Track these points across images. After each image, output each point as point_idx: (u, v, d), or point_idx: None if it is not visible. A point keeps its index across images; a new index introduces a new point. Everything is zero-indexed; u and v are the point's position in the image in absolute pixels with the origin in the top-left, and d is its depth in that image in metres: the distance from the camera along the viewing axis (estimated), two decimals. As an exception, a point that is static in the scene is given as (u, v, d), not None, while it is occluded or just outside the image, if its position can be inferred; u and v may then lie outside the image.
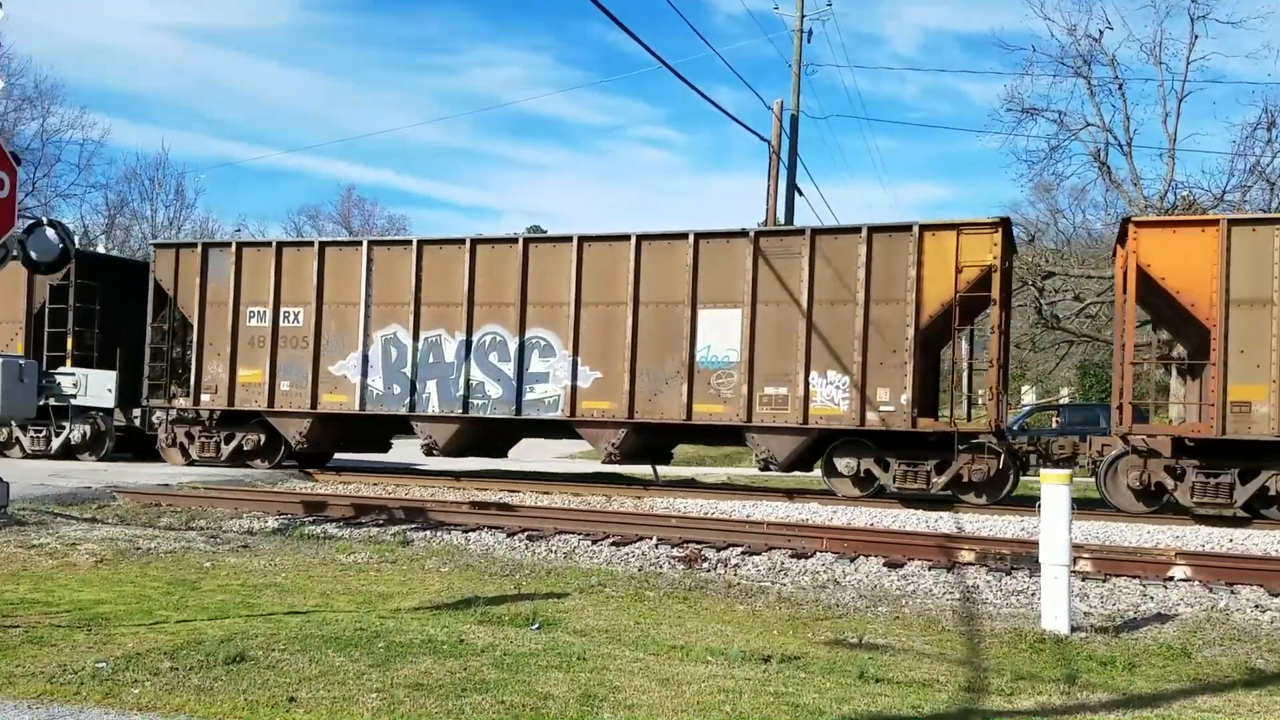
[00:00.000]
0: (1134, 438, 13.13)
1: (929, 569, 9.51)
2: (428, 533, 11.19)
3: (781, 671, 5.90)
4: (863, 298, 13.99)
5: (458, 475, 16.82)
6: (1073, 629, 7.13)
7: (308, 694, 4.89)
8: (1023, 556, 9.37)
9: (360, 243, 17.06)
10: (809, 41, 24.50)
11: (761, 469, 14.95)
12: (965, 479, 13.67)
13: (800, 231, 14.77)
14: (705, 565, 9.73)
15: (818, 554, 10.17)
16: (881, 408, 13.83)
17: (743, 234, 14.70)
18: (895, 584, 8.99)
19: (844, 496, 14.29)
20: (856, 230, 14.21)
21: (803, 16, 24.79)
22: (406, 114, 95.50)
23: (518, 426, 16.62)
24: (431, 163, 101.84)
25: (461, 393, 15.92)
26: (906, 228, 13.94)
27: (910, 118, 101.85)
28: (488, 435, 16.70)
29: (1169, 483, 12.85)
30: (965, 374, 16.56)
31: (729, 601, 8.22)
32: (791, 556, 10.05)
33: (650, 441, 15.74)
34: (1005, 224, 13.95)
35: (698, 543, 10.63)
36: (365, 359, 16.49)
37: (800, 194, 23.08)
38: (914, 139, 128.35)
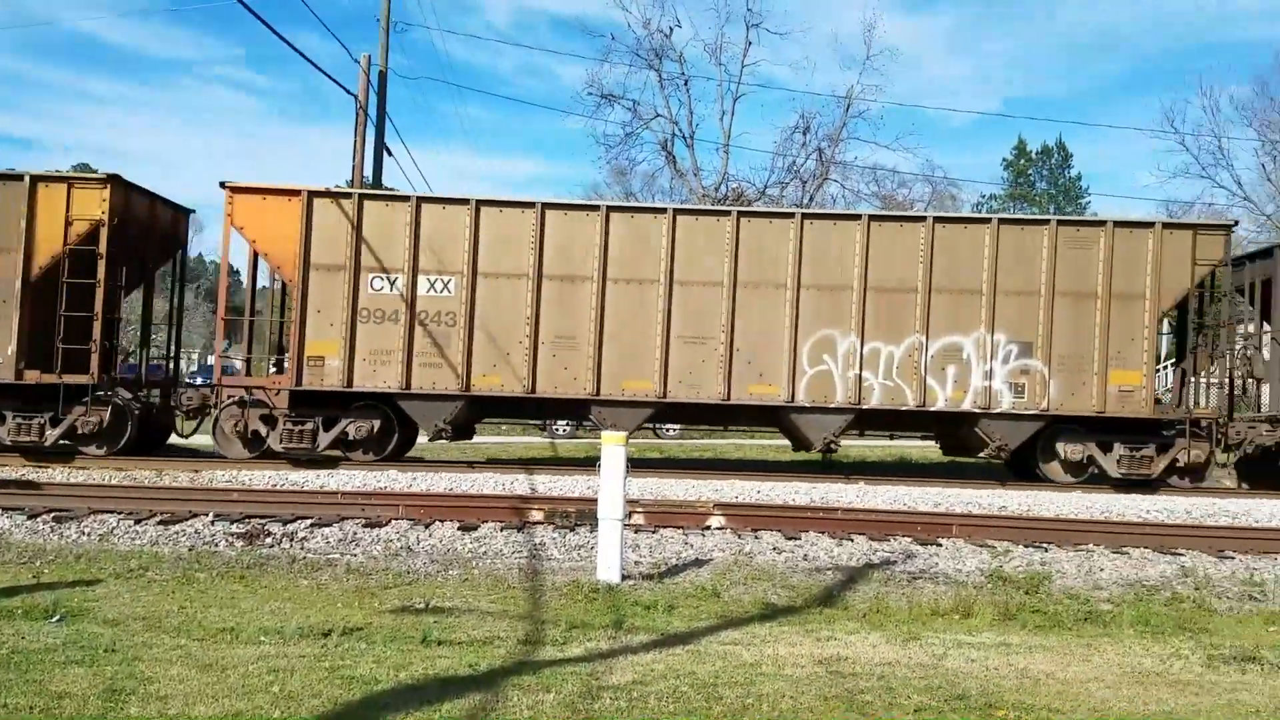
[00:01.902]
0: (230, 390, 14.02)
1: (501, 530, 9.79)
2: (-88, 520, 9.26)
3: (341, 645, 5.71)
4: None
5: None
6: (624, 578, 7.75)
7: None
8: (586, 513, 10.00)
9: None
10: (399, -3, 23.82)
11: None
12: (80, 430, 13.84)
13: None
14: (269, 540, 9.13)
15: (393, 522, 10.01)
16: None
17: None
18: (468, 547, 9.12)
19: None
20: None
21: (390, -32, 23.91)
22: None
23: None
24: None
25: None
26: (19, 177, 13.83)
27: (504, 91, 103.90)
28: None
29: (263, 430, 13.80)
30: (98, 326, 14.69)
31: (292, 577, 7.81)
32: (365, 526, 9.79)
33: None
34: (115, 180, 14.15)
35: (262, 517, 9.95)
36: None
37: (390, 154, 22.34)
38: (509, 113, 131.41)
